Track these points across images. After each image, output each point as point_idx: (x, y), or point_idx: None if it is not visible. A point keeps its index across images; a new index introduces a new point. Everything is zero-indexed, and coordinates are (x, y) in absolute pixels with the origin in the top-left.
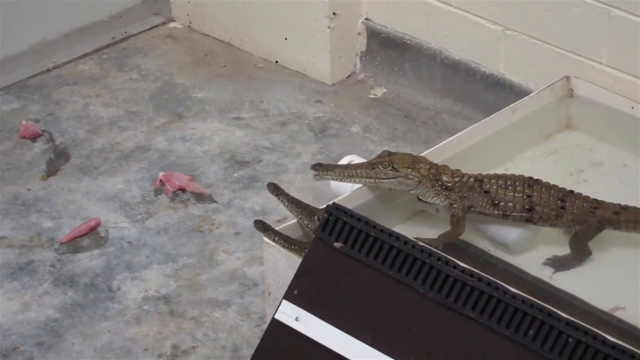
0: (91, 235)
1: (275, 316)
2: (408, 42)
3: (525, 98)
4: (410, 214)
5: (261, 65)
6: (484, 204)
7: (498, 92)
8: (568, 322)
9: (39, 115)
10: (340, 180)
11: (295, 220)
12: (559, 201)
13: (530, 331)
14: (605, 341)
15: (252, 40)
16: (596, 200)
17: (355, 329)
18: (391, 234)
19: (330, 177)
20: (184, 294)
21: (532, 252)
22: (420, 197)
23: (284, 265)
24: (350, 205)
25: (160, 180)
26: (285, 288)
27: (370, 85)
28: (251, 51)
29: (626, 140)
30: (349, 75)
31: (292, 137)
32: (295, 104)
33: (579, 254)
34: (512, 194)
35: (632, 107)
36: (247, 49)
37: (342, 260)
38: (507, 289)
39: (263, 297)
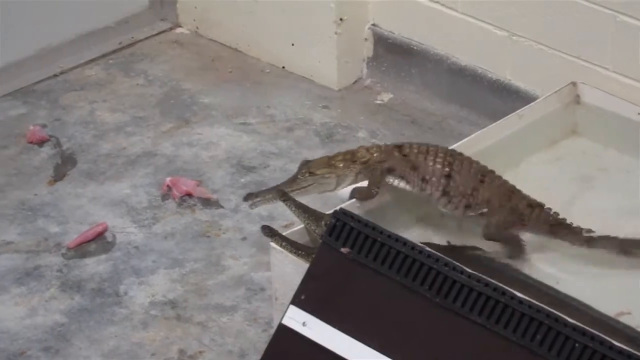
0: (98, 240)
1: (283, 321)
2: (415, 47)
3: (531, 104)
4: (417, 220)
5: (268, 70)
6: (404, 167)
7: (504, 97)
8: (575, 328)
9: (45, 121)
10: (273, 202)
11: (302, 225)
12: (479, 175)
13: (537, 336)
14: (612, 346)
15: (259, 46)
16: (515, 187)
17: (363, 334)
18: (398, 239)
19: (262, 202)
20: (191, 299)
21: (537, 257)
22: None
23: (291, 270)
24: (357, 211)
25: (167, 186)
26: (292, 293)
27: (377, 90)
28: (258, 57)
29: (632, 147)
30: (355, 81)
31: (298, 143)
32: (302, 110)
33: (513, 245)
34: (432, 159)
35: (639, 114)
36: (254, 54)
37: (349, 265)
38: (513, 294)
39: (270, 302)
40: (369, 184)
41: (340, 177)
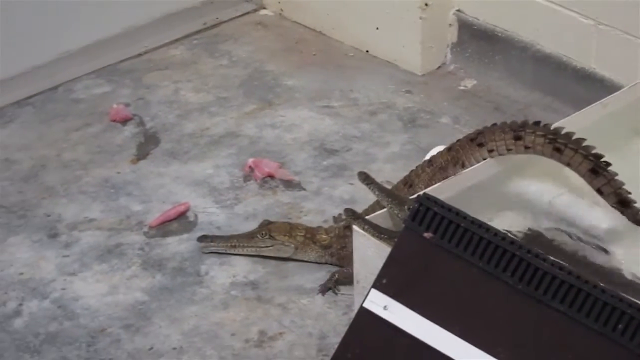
0: (180, 219)
1: (364, 304)
2: (499, 34)
3: (616, 93)
4: (502, 207)
5: (351, 54)
6: None
7: (588, 86)
8: None
9: (129, 99)
10: (225, 251)
11: (385, 209)
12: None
13: (619, 325)
14: None
15: (343, 29)
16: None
17: (443, 319)
18: (481, 225)
19: (214, 248)
20: (272, 280)
21: (620, 246)
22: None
23: (373, 254)
24: (440, 196)
25: (250, 167)
26: (374, 277)
27: (461, 76)
28: (342, 40)
29: None
30: (439, 66)
31: (381, 127)
32: (385, 94)
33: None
34: None
35: None
36: (337, 37)
37: (432, 250)
38: (596, 282)
39: (351, 285)
40: (348, 265)
41: (298, 250)
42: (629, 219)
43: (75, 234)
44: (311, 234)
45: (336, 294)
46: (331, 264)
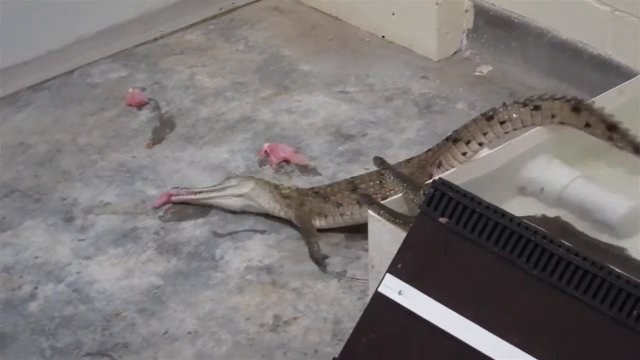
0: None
1: (379, 289)
2: (515, 20)
3: (632, 79)
4: (516, 192)
5: (367, 39)
6: (319, 205)
7: (605, 73)
8: None
9: (145, 84)
10: (193, 199)
11: (400, 194)
12: (378, 175)
13: (635, 312)
14: None
15: (359, 15)
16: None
17: (458, 304)
18: (497, 210)
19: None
20: (287, 265)
21: (636, 232)
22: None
23: (388, 238)
24: (456, 181)
25: (265, 152)
26: (389, 262)
27: (476, 62)
28: (358, 25)
29: None
30: (455, 52)
31: (397, 112)
32: (401, 80)
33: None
34: (337, 185)
35: None
36: (353, 23)
37: (447, 235)
38: (611, 268)
39: (365, 271)
40: (306, 238)
41: (255, 191)
42: None
43: (90, 217)
44: (274, 184)
45: (325, 261)
46: (285, 219)
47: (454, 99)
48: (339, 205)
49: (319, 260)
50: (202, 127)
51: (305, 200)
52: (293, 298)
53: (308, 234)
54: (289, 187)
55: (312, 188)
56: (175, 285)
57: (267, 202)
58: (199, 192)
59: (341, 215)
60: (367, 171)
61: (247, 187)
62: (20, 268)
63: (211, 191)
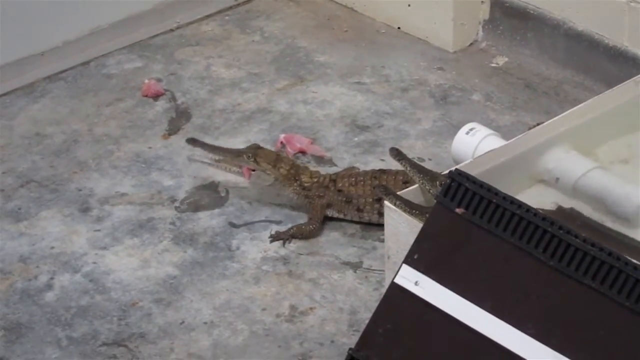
0: (211, 194)
1: (395, 280)
2: (531, 11)
3: None
4: (532, 182)
5: (383, 31)
6: (339, 202)
7: (621, 64)
8: None
9: (161, 75)
10: (209, 155)
11: (416, 185)
12: (403, 184)
13: None
14: None
15: (374, 6)
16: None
17: (475, 295)
18: (513, 201)
19: (199, 154)
20: (303, 255)
21: None
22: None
23: (404, 229)
24: (472, 172)
25: (281, 142)
26: (405, 252)
27: (492, 53)
28: (374, 17)
29: None
30: (471, 43)
31: (413, 103)
32: (417, 71)
33: None
34: (362, 188)
35: None
36: (369, 14)
37: (463, 226)
38: (628, 259)
39: (381, 261)
40: (310, 220)
41: (277, 182)
42: None
43: (106, 208)
44: (295, 171)
45: (284, 246)
46: (302, 209)
47: (470, 90)
48: (359, 210)
49: (288, 239)
50: (218, 118)
51: (325, 193)
52: (309, 288)
53: (311, 220)
54: (312, 175)
55: (335, 181)
56: (191, 276)
57: (287, 193)
58: (222, 161)
59: (360, 218)
60: (383, 162)
61: (268, 181)
62: (37, 258)
63: (233, 165)
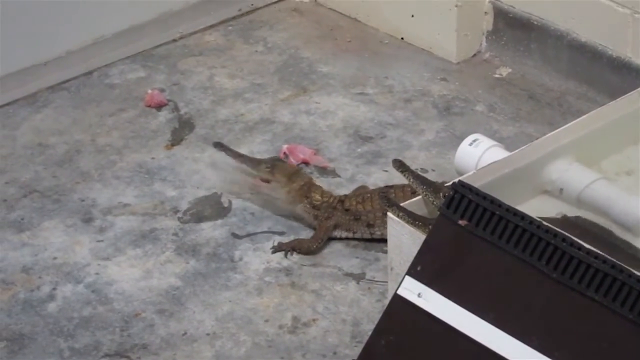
0: (214, 205)
1: (398, 292)
2: (535, 22)
3: None
4: (536, 194)
5: (387, 41)
6: (347, 221)
7: (624, 75)
8: None
9: (164, 85)
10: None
11: (420, 196)
12: (412, 194)
13: None
14: None
15: (378, 16)
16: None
17: (478, 307)
18: (516, 213)
19: (223, 156)
20: (305, 266)
21: None
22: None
23: (407, 241)
24: (475, 183)
25: (284, 153)
26: (408, 264)
27: (496, 64)
28: (377, 27)
29: None
30: (474, 54)
31: (416, 114)
32: (420, 81)
33: None
34: (370, 204)
35: None
36: (373, 24)
37: (467, 238)
38: (631, 271)
39: (384, 273)
40: (313, 238)
41: (289, 196)
42: None
43: (109, 218)
44: (308, 188)
45: (286, 257)
46: (310, 227)
47: (473, 100)
48: (370, 225)
49: (289, 250)
50: (221, 128)
51: (333, 214)
52: (312, 300)
53: (314, 238)
54: (323, 194)
55: (343, 202)
56: (194, 286)
57: (296, 210)
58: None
59: (371, 234)
60: (386, 173)
61: (280, 194)
62: (39, 269)
63: (252, 172)
